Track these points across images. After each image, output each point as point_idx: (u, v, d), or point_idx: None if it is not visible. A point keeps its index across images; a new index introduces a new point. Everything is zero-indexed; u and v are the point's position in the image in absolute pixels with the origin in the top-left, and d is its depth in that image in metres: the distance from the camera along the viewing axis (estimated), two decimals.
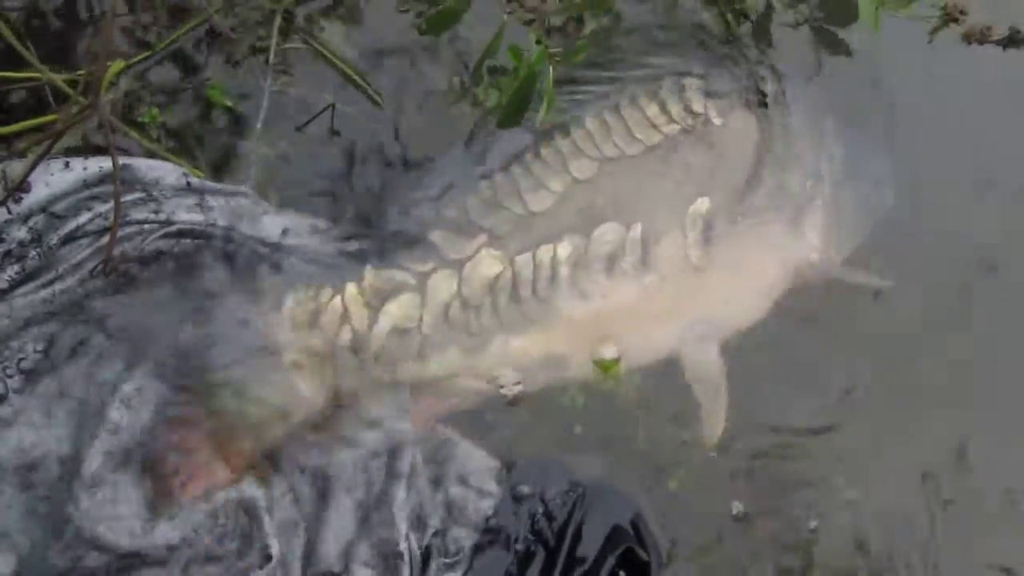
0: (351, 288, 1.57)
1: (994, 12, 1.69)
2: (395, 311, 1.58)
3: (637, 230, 1.64)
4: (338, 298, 1.57)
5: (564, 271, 1.62)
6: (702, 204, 1.68)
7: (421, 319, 1.59)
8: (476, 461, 1.64)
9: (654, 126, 1.68)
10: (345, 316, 1.57)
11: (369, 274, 1.58)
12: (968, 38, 1.45)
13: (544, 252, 1.62)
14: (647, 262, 1.66)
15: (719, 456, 1.73)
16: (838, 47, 1.96)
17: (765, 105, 1.71)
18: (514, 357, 1.65)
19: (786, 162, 1.73)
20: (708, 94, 1.72)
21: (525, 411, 1.69)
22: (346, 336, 1.57)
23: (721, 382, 1.69)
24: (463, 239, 1.62)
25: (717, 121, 1.70)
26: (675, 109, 1.69)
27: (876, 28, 1.77)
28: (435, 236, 1.62)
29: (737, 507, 1.69)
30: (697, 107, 1.70)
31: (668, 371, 1.75)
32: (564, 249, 1.63)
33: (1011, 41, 1.51)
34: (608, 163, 1.66)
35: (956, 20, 1.45)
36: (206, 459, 1.47)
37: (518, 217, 1.63)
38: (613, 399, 1.71)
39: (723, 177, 1.70)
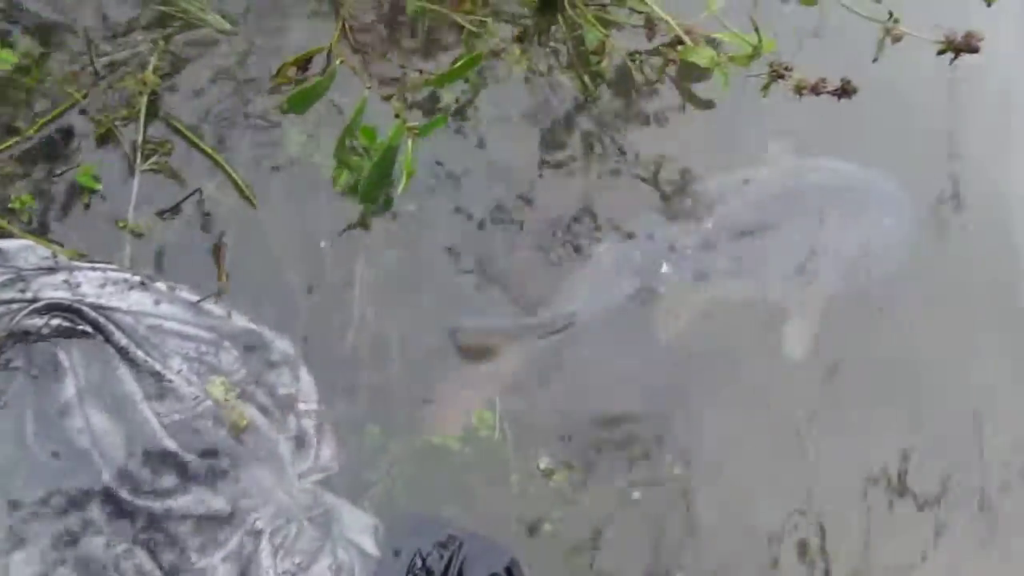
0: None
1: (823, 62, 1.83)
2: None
3: None
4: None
5: None
6: None
7: None
8: (356, 521, 1.71)
9: None
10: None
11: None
12: (799, 90, 1.56)
13: None
14: None
15: (590, 499, 1.84)
16: (698, 102, 2.09)
17: None
18: None
19: None
20: None
21: (403, 465, 1.77)
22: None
23: None
24: None
25: None
26: None
27: (725, 85, 1.90)
28: None
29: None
30: None
31: (539, 421, 1.87)
32: None
33: (843, 92, 1.61)
34: None
35: (782, 76, 1.56)
36: None
37: None
38: (487, 448, 1.80)
39: None
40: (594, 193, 1.99)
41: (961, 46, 1.46)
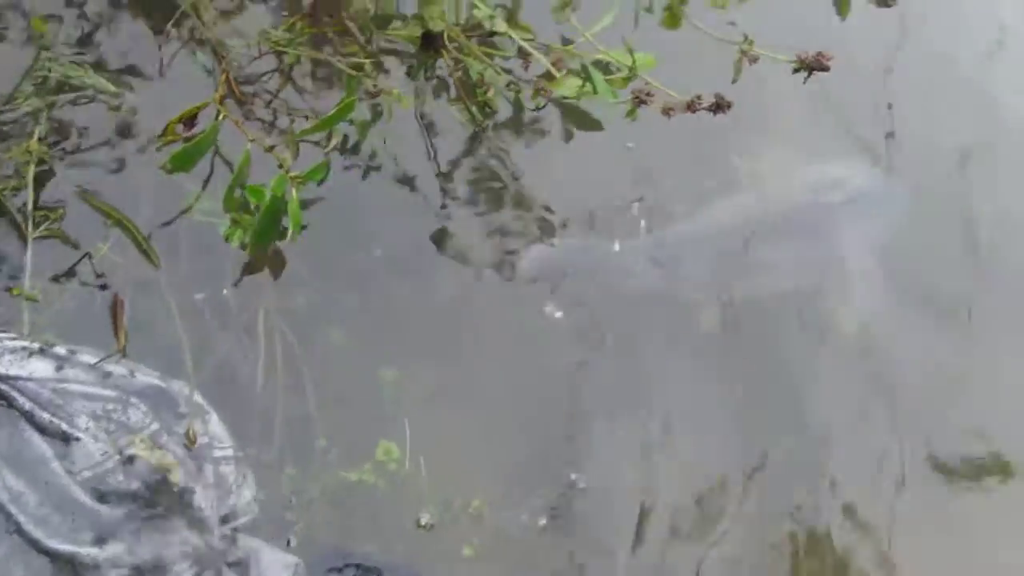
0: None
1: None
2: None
3: None
4: None
5: None
6: None
7: None
8: (276, 561, 1.75)
9: None
10: None
11: None
12: (666, 112, 1.60)
13: None
14: None
15: (512, 521, 1.89)
16: (588, 122, 2.14)
17: None
18: None
19: None
20: None
21: (321, 503, 1.82)
22: None
23: None
24: None
25: None
26: None
27: (614, 97, 1.95)
28: None
29: None
30: None
31: (453, 448, 1.91)
32: None
33: (718, 107, 1.66)
34: None
35: (645, 102, 1.60)
36: None
37: None
38: (401, 478, 1.85)
39: None
40: (495, 222, 2.05)
41: (813, 65, 1.51)
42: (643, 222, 2.15)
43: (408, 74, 2.01)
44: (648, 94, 1.57)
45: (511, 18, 1.99)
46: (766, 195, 2.27)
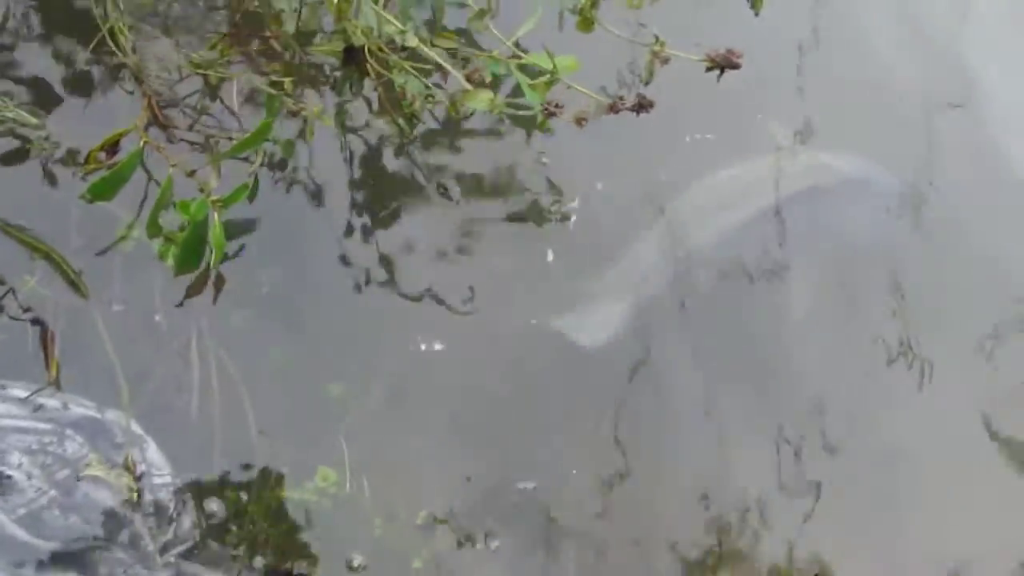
0: None
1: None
2: None
3: None
4: None
5: None
6: None
7: None
8: None
9: None
10: None
11: None
12: (579, 121, 1.60)
13: None
14: None
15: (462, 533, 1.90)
16: (530, 123, 2.14)
17: None
18: None
19: None
20: None
21: (263, 525, 1.81)
22: None
23: None
24: None
25: None
26: None
27: (543, 126, 1.95)
28: None
29: None
30: None
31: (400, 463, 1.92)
32: None
33: (640, 107, 1.66)
34: None
35: (554, 113, 1.60)
36: None
37: None
38: (343, 498, 1.85)
39: None
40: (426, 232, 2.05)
41: (723, 62, 1.51)
42: None
43: (333, 89, 2.01)
44: (557, 105, 1.57)
45: (438, 27, 1.99)
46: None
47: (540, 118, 1.58)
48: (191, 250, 1.65)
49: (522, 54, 1.80)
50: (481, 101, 1.60)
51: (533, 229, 2.12)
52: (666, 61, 1.57)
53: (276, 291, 1.97)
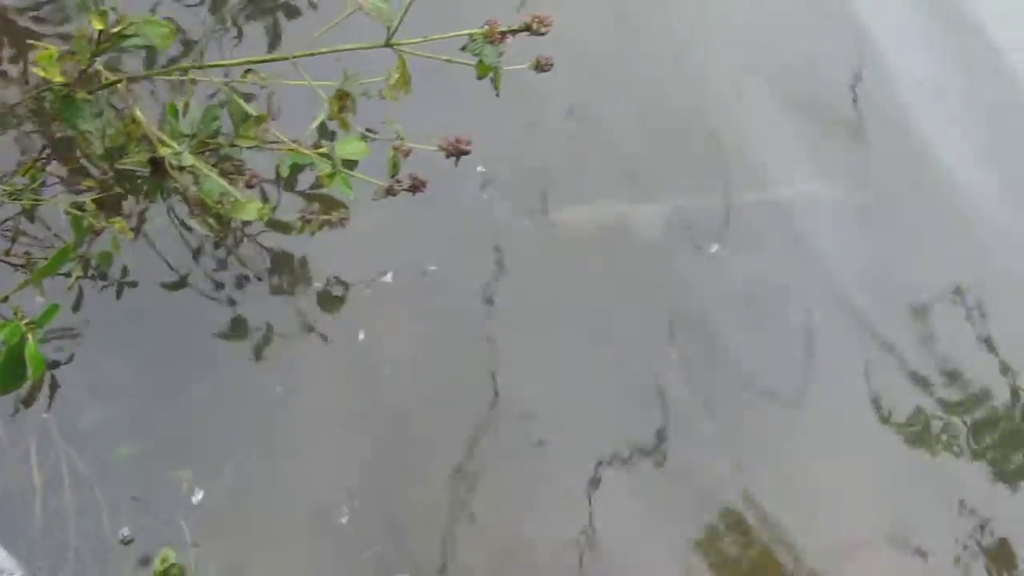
0: None
1: None
2: None
3: None
4: None
5: None
6: None
7: None
8: None
9: None
10: None
11: None
12: (341, 222, 1.78)
13: None
14: None
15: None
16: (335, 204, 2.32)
17: None
18: None
19: None
20: None
21: None
22: None
23: None
24: None
25: None
26: None
27: (349, 192, 2.13)
28: None
29: None
30: None
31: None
32: None
33: (414, 187, 1.84)
34: None
35: (310, 220, 1.79)
36: None
37: None
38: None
39: None
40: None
41: (455, 150, 1.70)
42: None
43: (146, 196, 2.17)
44: (312, 212, 1.75)
45: (239, 130, 2.16)
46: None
47: (299, 224, 1.74)
48: (10, 371, 1.79)
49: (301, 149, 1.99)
50: (250, 211, 1.77)
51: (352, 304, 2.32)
52: (407, 153, 1.75)
53: (121, 385, 2.13)
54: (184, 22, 2.39)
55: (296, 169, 2.26)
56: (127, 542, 2.02)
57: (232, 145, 2.11)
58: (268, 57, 1.93)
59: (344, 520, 2.11)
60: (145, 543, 2.02)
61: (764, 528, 2.45)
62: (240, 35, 2.40)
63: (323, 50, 1.86)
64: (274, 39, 2.42)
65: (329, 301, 2.28)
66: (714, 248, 2.72)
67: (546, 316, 2.48)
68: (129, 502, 2.05)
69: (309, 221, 1.74)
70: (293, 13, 2.46)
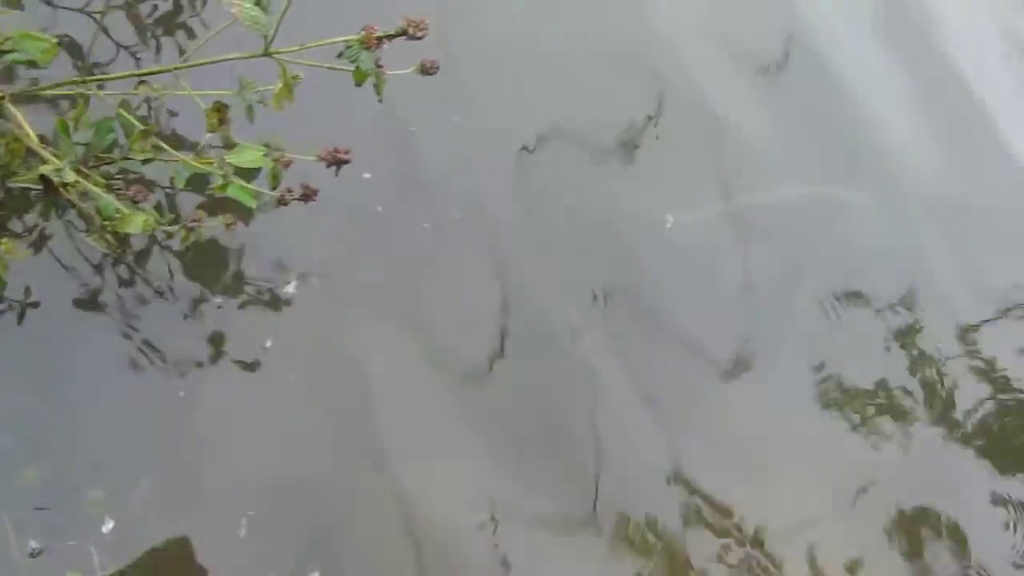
0: None
1: None
2: None
3: None
4: None
5: None
6: None
7: None
8: None
9: None
10: None
11: None
12: (228, 226, 1.76)
13: None
14: None
15: None
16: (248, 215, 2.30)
17: None
18: None
19: None
20: None
21: None
22: None
23: None
24: None
25: None
26: None
27: (252, 202, 2.10)
28: None
29: None
30: None
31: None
32: None
33: (306, 196, 1.82)
34: None
35: (193, 228, 1.76)
36: None
37: None
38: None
39: None
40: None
41: (333, 160, 1.68)
42: None
43: (41, 215, 2.14)
44: (196, 220, 1.72)
45: (132, 142, 2.12)
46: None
47: (184, 233, 1.71)
48: None
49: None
50: (135, 224, 1.74)
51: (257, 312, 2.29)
52: (288, 164, 1.73)
53: (23, 408, 2.10)
54: (81, 37, 2.35)
55: (198, 180, 2.24)
56: (35, 555, 1.99)
57: (126, 159, 2.08)
58: (150, 70, 1.90)
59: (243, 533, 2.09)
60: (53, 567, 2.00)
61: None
62: (137, 48, 2.36)
63: (201, 61, 1.83)
64: (167, 51, 2.38)
65: (234, 310, 2.25)
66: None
67: None
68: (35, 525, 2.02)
69: (192, 230, 1.71)
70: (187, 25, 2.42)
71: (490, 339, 2.49)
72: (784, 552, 2.57)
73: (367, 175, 2.43)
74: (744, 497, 2.59)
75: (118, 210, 1.92)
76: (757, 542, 2.54)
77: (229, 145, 2.04)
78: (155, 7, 2.42)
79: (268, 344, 2.25)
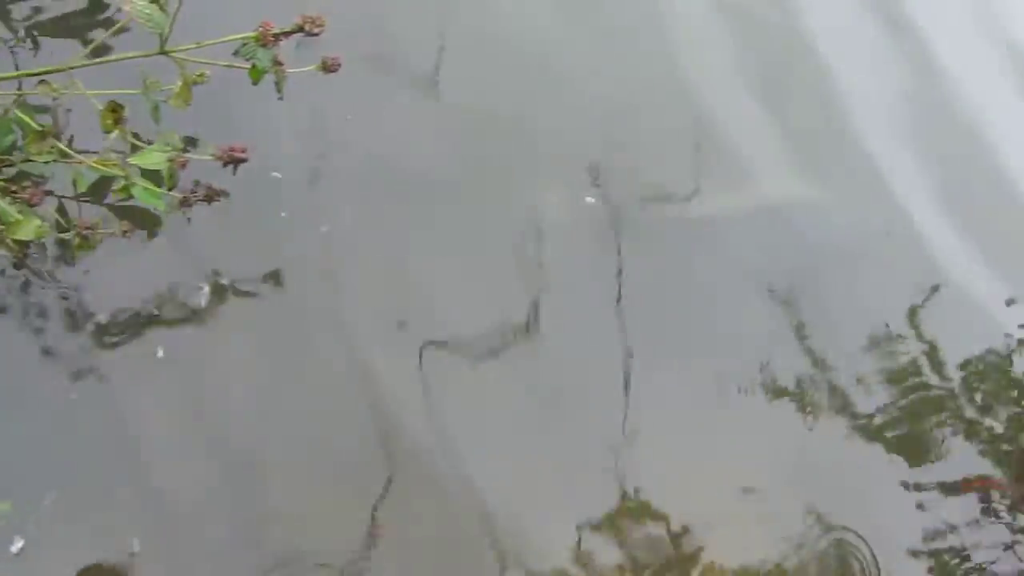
0: None
1: None
2: None
3: None
4: None
5: None
6: None
7: None
8: None
9: None
10: None
11: None
12: (125, 234, 1.73)
13: None
14: None
15: None
16: (149, 221, 2.26)
17: None
18: None
19: None
20: None
21: None
22: None
23: None
24: None
25: None
26: None
27: (158, 203, 2.06)
28: None
29: None
30: None
31: None
32: None
33: (209, 198, 1.80)
34: None
35: (87, 236, 1.73)
36: None
37: None
38: None
39: None
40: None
41: (230, 159, 1.66)
42: None
43: None
44: (91, 227, 1.69)
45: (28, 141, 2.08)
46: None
47: (77, 240, 1.68)
48: None
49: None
50: (27, 231, 1.70)
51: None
52: (184, 165, 1.70)
53: None
54: None
55: (104, 183, 2.19)
56: None
57: (26, 160, 2.04)
58: (45, 69, 1.86)
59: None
60: None
61: None
62: (36, 47, 2.31)
63: (98, 60, 1.80)
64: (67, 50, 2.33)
65: (141, 318, 2.22)
66: None
67: None
68: None
69: (86, 237, 1.68)
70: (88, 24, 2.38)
71: None
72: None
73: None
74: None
75: (17, 215, 1.88)
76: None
77: (134, 147, 2.01)
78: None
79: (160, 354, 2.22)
